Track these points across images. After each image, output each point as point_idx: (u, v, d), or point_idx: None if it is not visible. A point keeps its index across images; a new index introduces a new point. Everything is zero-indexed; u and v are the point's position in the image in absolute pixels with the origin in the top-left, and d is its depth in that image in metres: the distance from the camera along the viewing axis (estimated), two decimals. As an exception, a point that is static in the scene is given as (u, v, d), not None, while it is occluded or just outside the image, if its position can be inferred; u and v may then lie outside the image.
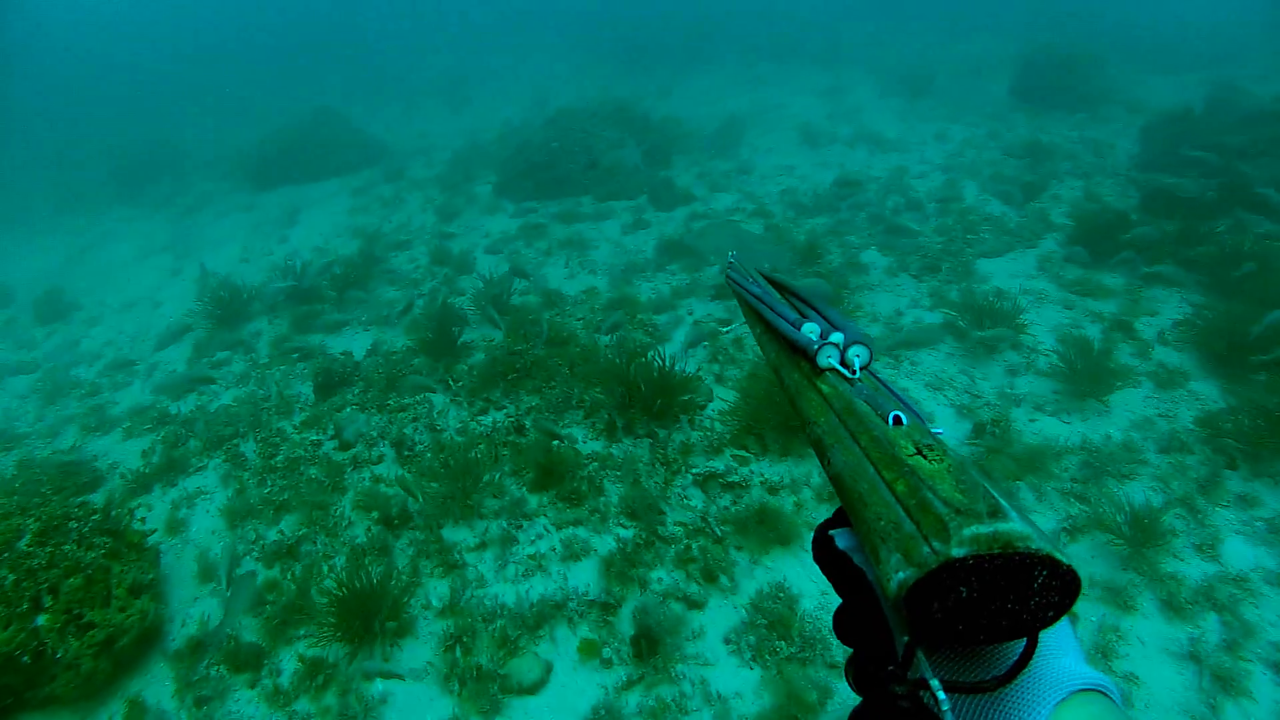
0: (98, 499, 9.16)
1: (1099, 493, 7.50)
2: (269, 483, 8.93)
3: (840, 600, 1.16)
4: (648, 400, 8.61)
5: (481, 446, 8.70)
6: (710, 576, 6.83)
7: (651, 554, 7.11)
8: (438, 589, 7.15)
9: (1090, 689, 0.96)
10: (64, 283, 18.22)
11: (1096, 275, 11.48)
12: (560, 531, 7.52)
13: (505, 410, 9.47)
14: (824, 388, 1.29)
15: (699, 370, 9.77)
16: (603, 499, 7.80)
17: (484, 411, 9.53)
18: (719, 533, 7.22)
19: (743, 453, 8.22)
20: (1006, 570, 0.86)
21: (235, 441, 9.91)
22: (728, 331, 9.46)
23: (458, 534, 7.68)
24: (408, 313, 12.76)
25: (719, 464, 8.04)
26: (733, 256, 1.99)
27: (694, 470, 7.95)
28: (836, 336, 1.33)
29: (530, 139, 19.27)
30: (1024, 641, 0.96)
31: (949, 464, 1.00)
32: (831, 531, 1.19)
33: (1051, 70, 22.36)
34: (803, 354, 1.36)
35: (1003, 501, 0.91)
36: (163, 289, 16.93)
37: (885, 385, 1.28)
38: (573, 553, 7.23)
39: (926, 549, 0.87)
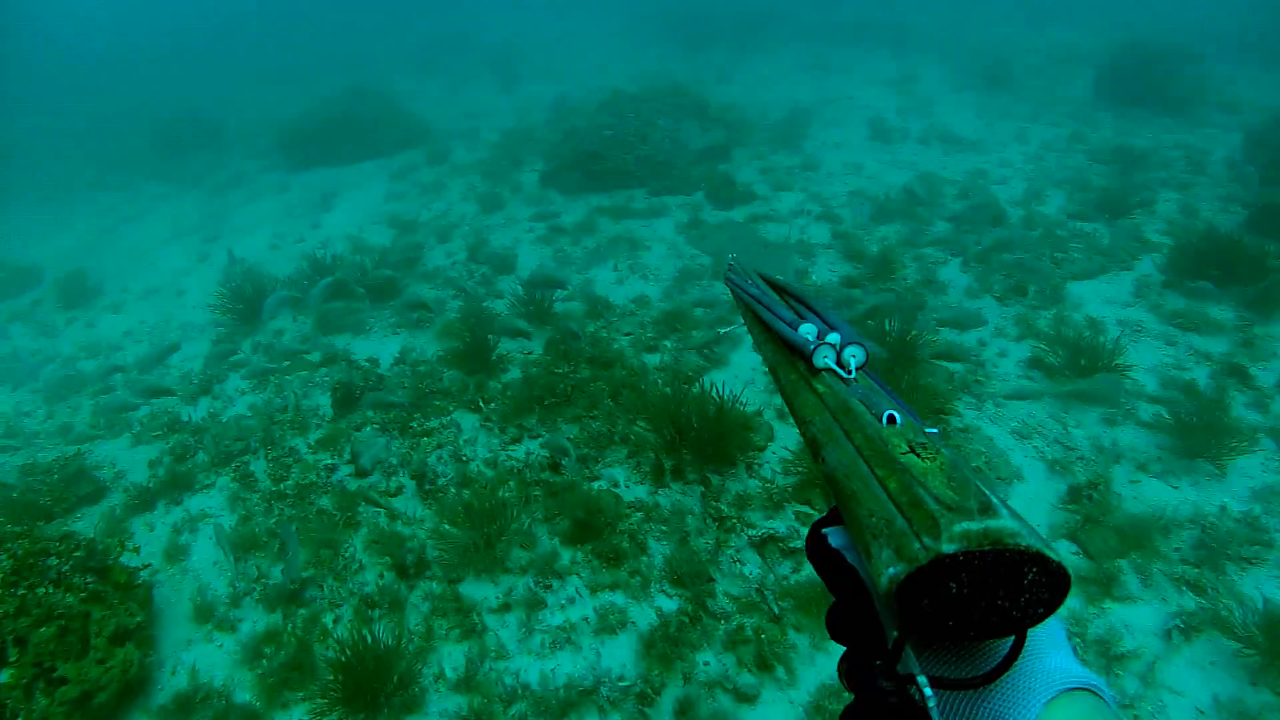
0: (86, 526, 8.63)
1: (1216, 580, 6.55)
2: (277, 511, 8.25)
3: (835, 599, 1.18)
4: (700, 439, 7.76)
5: (511, 484, 7.93)
6: (765, 664, 6.00)
7: (698, 632, 6.28)
8: (453, 656, 6.40)
9: (1081, 688, 0.97)
10: (91, 263, 17.83)
11: (1200, 306, 10.41)
12: (595, 596, 6.72)
13: (541, 440, 8.67)
14: (819, 387, 1.31)
15: (759, 411, 8.85)
16: (645, 559, 6.97)
17: (517, 440, 8.74)
18: (777, 610, 6.38)
19: (806, 509, 7.35)
20: (996, 566, 0.87)
21: (245, 459, 9.26)
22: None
23: (479, 590, 6.92)
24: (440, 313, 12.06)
25: (779, 524, 7.15)
26: (733, 259, 2.07)
27: (750, 531, 7.09)
28: (833, 337, 1.36)
29: (580, 125, 18.38)
30: (1014, 639, 0.97)
31: (941, 461, 1.01)
32: (825, 530, 1.21)
33: (1140, 65, 20.90)
34: (799, 354, 1.39)
35: (994, 498, 0.93)
36: (188, 275, 16.40)
37: (881, 385, 1.31)
38: (608, 625, 6.43)
39: (917, 545, 0.88)
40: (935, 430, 1.13)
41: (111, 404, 10.82)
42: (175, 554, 8.06)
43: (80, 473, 9.43)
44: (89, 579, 6.62)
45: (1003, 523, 0.86)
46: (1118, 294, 11.08)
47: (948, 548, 0.84)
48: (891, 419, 1.12)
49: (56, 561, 6.58)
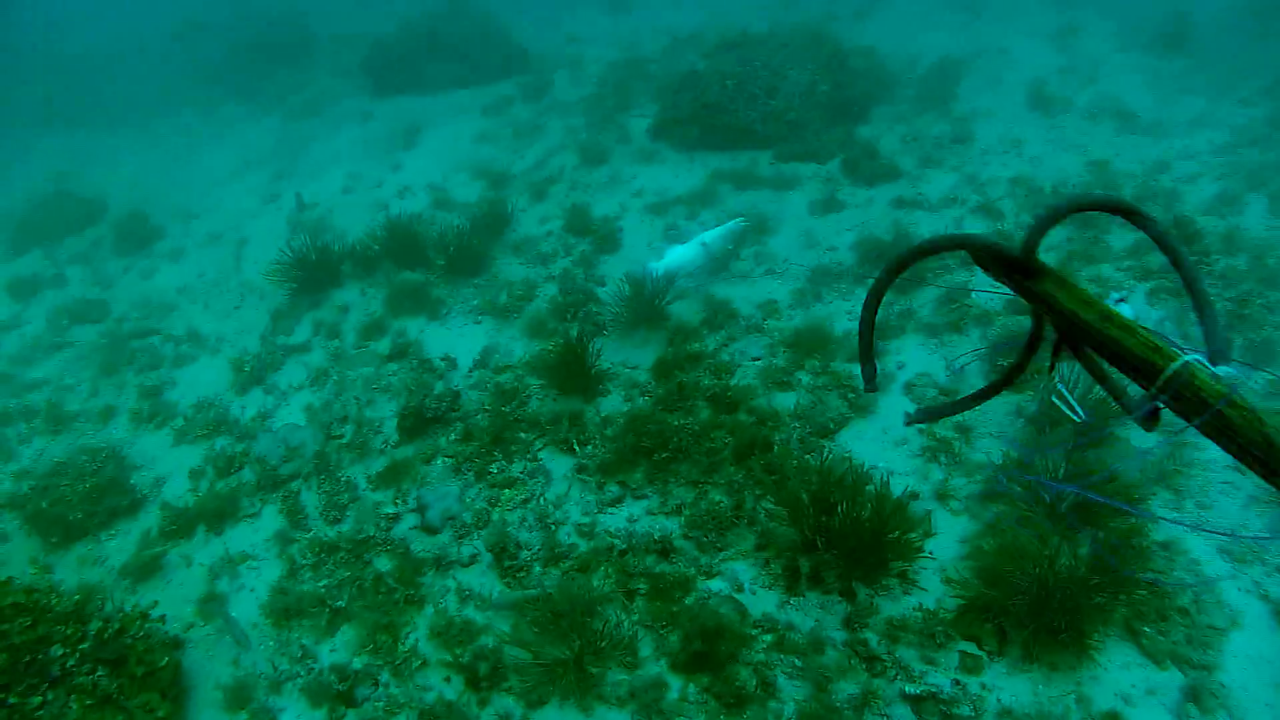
0: (119, 547, 7.89)
1: None
2: (328, 570, 7.33)
3: None
4: (844, 534, 6.48)
5: (610, 571, 6.82)
6: None
7: (840, 831, 5.13)
8: (529, 819, 5.40)
9: None
10: (156, 197, 17.19)
11: None
12: (710, 756, 5.61)
13: (646, 503, 7.52)
14: None
15: (915, 494, 7.37)
16: (774, 705, 5.79)
17: (618, 501, 7.59)
18: (943, 809, 5.18)
19: (972, 647, 6.05)
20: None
21: (295, 486, 8.38)
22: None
23: (564, 722, 5.88)
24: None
25: (940, 677, 5.80)
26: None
27: (906, 683, 5.80)
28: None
29: (699, 68, 16.77)
30: None
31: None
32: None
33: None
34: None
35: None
36: (254, 218, 15.60)
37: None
38: (726, 805, 5.32)
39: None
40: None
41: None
42: (212, 606, 7.26)
43: (114, 481, 8.71)
44: (99, 673, 5.78)
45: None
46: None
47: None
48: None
49: (61, 653, 5.74)
